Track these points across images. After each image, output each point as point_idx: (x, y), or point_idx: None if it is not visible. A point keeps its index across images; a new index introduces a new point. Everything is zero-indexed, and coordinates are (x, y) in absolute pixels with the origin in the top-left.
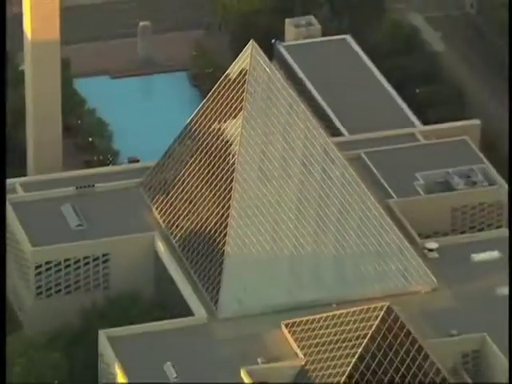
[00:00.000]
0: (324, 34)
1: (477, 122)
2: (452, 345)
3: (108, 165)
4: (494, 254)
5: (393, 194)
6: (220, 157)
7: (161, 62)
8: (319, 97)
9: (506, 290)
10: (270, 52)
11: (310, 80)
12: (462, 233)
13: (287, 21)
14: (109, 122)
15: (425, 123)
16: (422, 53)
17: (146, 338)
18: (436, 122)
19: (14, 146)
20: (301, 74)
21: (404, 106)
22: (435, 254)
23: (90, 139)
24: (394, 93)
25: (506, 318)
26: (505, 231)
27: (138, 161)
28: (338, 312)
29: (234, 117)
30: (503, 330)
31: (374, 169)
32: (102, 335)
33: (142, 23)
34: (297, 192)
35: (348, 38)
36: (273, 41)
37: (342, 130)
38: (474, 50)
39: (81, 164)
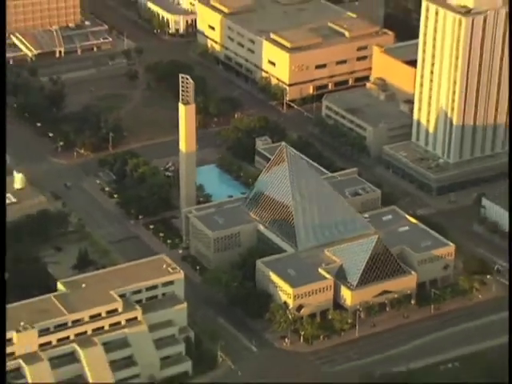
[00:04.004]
0: (273, 142)
1: (355, 169)
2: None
3: (208, 202)
4: (390, 217)
5: None
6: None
7: (203, 161)
8: None
9: (403, 229)
10: (253, 151)
11: None
12: (365, 212)
13: (257, 139)
14: None
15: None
16: (315, 147)
17: (274, 261)
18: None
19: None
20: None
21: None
22: (368, 219)
23: None
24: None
25: (408, 240)
26: (391, 208)
27: (231, 196)
28: (352, 242)
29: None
30: (411, 244)
31: None
32: (259, 262)
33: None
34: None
35: (284, 145)
36: (256, 147)
37: None
38: (327, 148)
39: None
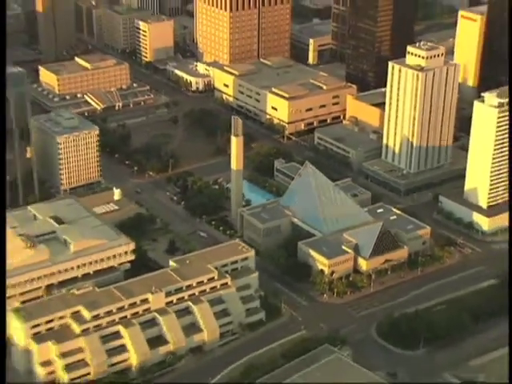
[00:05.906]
0: (286, 163)
1: (350, 179)
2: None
3: (248, 205)
4: (382, 210)
5: None
6: None
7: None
8: None
9: (392, 218)
10: (273, 170)
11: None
12: (362, 207)
13: (275, 160)
14: None
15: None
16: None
17: (310, 242)
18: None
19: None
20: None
21: None
22: (367, 212)
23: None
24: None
25: (398, 225)
26: (380, 204)
27: (269, 199)
28: (361, 227)
29: (304, 176)
30: (400, 228)
31: None
32: (300, 243)
33: None
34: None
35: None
36: (275, 166)
37: None
38: (322, 167)
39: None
